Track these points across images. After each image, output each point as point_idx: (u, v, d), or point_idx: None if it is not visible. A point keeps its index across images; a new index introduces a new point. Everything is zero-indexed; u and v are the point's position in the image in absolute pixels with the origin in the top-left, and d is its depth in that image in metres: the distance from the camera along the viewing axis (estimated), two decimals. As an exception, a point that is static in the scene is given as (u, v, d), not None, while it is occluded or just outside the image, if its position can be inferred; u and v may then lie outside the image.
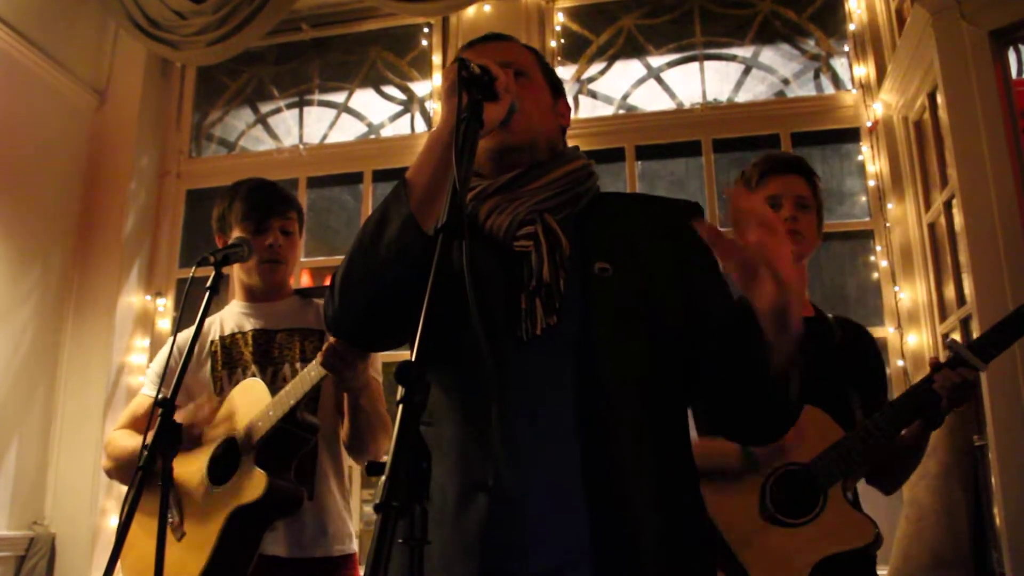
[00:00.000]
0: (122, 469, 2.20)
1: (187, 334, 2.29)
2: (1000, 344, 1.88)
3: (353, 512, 3.37)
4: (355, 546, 2.21)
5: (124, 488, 2.25)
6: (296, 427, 2.04)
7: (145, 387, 2.31)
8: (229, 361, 2.23)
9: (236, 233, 2.23)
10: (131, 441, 2.19)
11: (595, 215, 1.35)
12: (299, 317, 2.27)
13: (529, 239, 1.26)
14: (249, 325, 2.26)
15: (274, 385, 2.12)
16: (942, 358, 1.93)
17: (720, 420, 1.39)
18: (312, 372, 1.97)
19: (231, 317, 2.29)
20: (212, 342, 2.26)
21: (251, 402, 2.08)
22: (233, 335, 2.26)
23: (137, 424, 2.25)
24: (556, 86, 1.47)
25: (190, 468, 2.10)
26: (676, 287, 1.30)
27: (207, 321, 2.24)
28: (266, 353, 2.22)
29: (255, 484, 1.98)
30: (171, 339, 2.34)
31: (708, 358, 1.26)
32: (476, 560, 1.13)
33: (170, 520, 2.10)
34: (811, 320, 2.10)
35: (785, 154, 2.21)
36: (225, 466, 2.07)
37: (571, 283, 1.25)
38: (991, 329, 1.91)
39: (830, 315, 2.16)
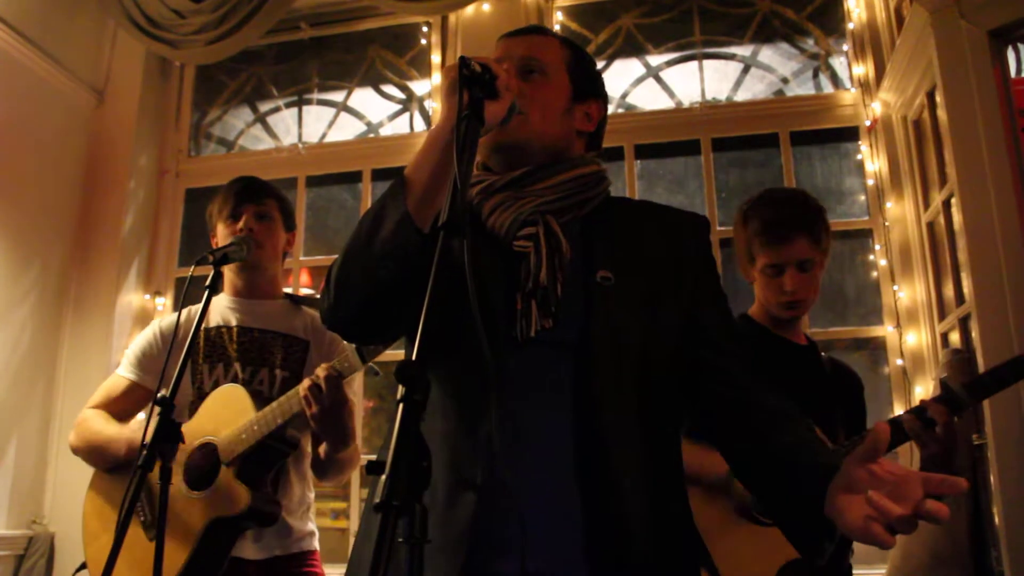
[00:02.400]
0: (91, 453, 2.21)
1: (171, 320, 2.30)
2: (992, 388, 1.81)
3: (353, 511, 3.38)
4: (315, 544, 2.25)
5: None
6: (279, 442, 2.05)
7: (121, 367, 2.30)
8: (212, 354, 2.22)
9: (219, 227, 2.26)
10: (105, 427, 2.19)
11: (602, 221, 1.34)
12: (287, 322, 2.27)
13: (529, 240, 1.26)
14: (235, 320, 2.26)
15: (250, 386, 2.13)
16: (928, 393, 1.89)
17: (710, 432, 1.39)
18: (303, 392, 1.98)
19: (217, 311, 2.29)
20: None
21: (234, 412, 2.07)
22: (219, 328, 2.25)
23: (111, 405, 2.25)
24: (583, 89, 1.40)
25: None
26: (677, 300, 1.30)
27: (192, 310, 2.26)
28: (248, 352, 2.21)
29: (237, 498, 2.00)
30: (154, 323, 2.34)
31: (710, 375, 1.30)
32: (461, 558, 1.12)
33: (141, 518, 2.10)
34: (804, 348, 2.10)
35: (774, 219, 1.94)
36: (202, 470, 2.08)
37: (572, 289, 1.25)
38: (987, 372, 1.85)
39: (823, 354, 2.15)
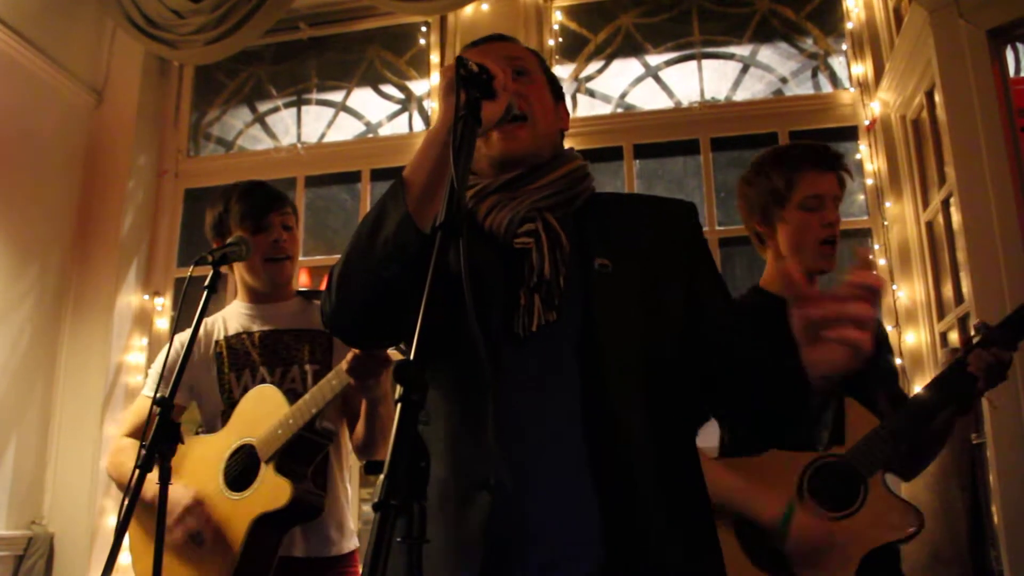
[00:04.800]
0: (123, 487, 2.20)
1: (187, 333, 2.30)
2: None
3: (352, 512, 3.38)
4: (356, 542, 2.26)
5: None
6: (315, 434, 2.06)
7: (147, 388, 2.30)
8: (236, 363, 2.22)
9: (239, 236, 2.22)
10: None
11: (593, 213, 1.36)
12: (305, 319, 2.28)
13: (530, 236, 1.27)
14: (256, 327, 2.26)
15: (282, 386, 2.13)
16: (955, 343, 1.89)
17: (731, 413, 1.40)
18: (334, 381, 1.98)
19: (235, 317, 2.29)
20: (217, 343, 2.25)
21: (268, 410, 2.08)
22: (239, 335, 2.25)
23: (141, 431, 2.23)
24: (557, 90, 1.47)
25: (203, 474, 2.10)
26: (676, 283, 1.31)
27: (209, 321, 2.27)
28: (274, 354, 2.22)
29: (279, 492, 2.00)
30: (175, 339, 2.34)
31: (712, 352, 1.30)
32: (479, 559, 1.13)
33: (190, 530, 2.09)
34: None
35: (820, 147, 2.02)
36: (242, 472, 2.09)
37: (572, 280, 1.26)
38: (1016, 311, 1.86)
39: None
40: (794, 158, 2.00)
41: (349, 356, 1.92)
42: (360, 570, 2.23)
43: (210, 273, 1.93)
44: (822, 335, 1.07)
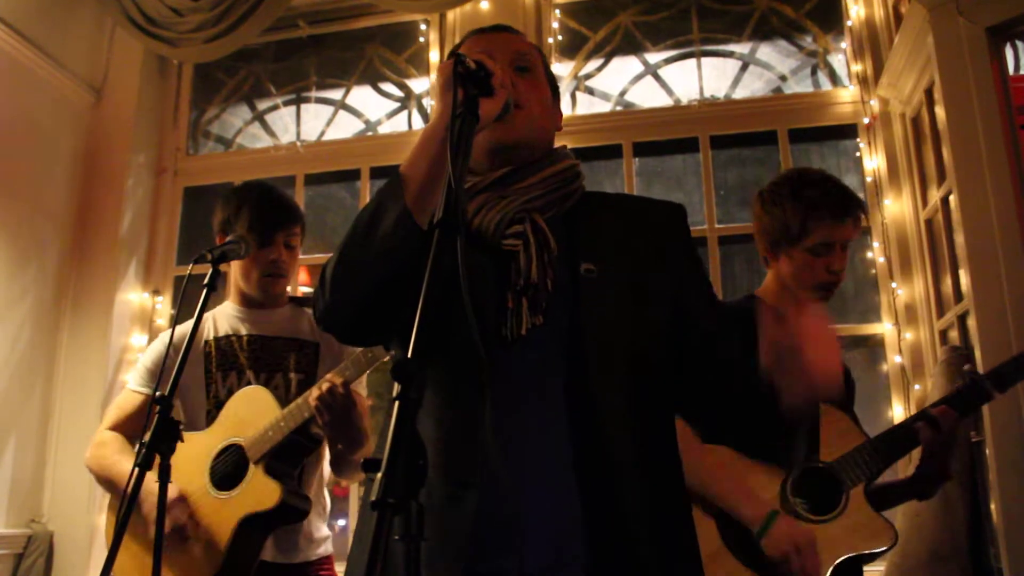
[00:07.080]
0: (104, 481, 2.21)
1: (183, 330, 2.30)
2: (1016, 376, 1.85)
3: (352, 509, 3.38)
4: (331, 547, 2.26)
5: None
6: (306, 438, 2.08)
7: (131, 383, 2.29)
8: (223, 363, 2.23)
9: None
10: (120, 458, 2.17)
11: (582, 215, 1.35)
12: (294, 327, 2.29)
13: (518, 238, 1.26)
14: (244, 330, 2.27)
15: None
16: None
17: (703, 416, 1.41)
18: (313, 403, 1.98)
19: (225, 319, 2.29)
20: (206, 342, 2.25)
21: (258, 411, 2.09)
22: (228, 337, 2.26)
23: (127, 424, 2.24)
24: (555, 90, 1.47)
25: (188, 471, 2.10)
26: (663, 287, 1.32)
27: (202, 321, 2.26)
28: (260, 359, 2.22)
29: (268, 494, 2.01)
30: (167, 334, 2.33)
31: (692, 355, 1.33)
32: (463, 560, 1.12)
33: (175, 523, 2.10)
34: None
35: (841, 195, 1.97)
36: (228, 472, 2.09)
37: (558, 284, 1.25)
38: (1012, 360, 1.88)
39: None
40: (814, 202, 1.94)
41: (315, 392, 1.93)
42: (335, 572, 2.25)
43: (209, 271, 1.93)
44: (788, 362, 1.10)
